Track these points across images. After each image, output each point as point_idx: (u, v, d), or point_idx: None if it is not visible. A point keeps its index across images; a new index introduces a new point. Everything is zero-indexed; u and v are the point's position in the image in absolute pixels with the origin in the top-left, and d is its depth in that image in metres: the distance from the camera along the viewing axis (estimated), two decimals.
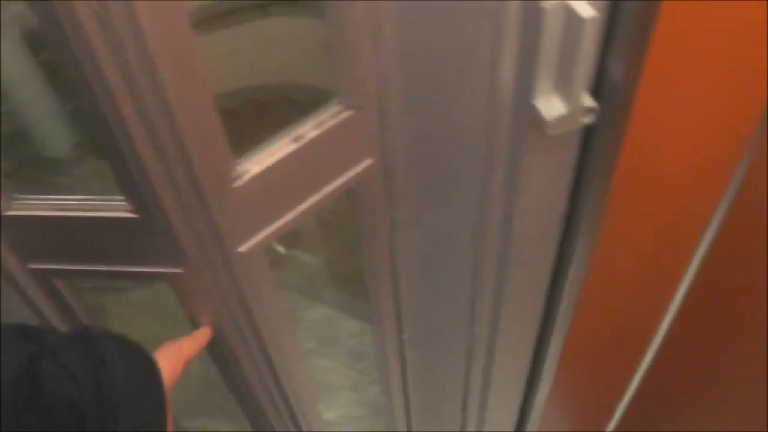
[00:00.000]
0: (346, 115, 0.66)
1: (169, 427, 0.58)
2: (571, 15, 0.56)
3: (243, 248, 0.68)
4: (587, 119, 0.63)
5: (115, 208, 0.65)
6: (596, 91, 0.64)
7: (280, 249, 1.49)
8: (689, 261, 0.83)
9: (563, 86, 0.61)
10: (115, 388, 0.53)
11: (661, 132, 0.68)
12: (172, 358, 0.64)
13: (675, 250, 0.82)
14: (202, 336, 0.70)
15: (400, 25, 0.61)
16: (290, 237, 1.49)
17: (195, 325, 0.76)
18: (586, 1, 0.56)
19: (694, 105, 0.66)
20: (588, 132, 0.70)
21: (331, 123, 0.66)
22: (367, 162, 0.72)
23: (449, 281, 0.86)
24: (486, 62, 0.62)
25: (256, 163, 0.64)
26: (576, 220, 0.78)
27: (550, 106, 0.62)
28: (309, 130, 0.65)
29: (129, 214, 0.64)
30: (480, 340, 0.93)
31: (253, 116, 2.08)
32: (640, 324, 0.95)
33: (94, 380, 0.51)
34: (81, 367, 0.52)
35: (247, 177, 0.63)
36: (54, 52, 0.50)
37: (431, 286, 0.88)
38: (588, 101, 0.62)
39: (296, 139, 0.65)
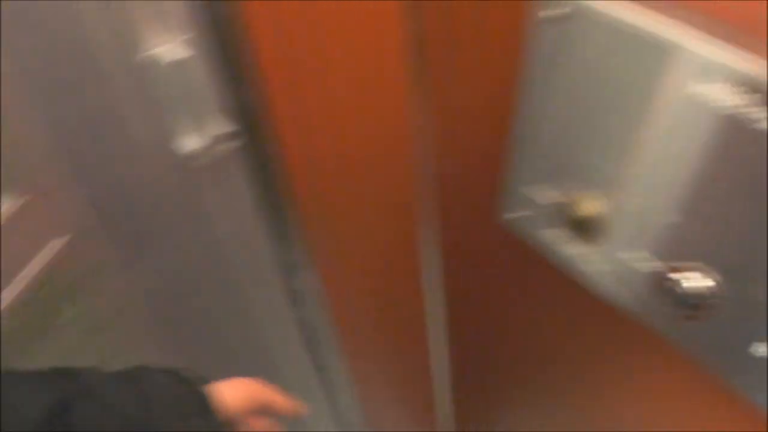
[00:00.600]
0: (20, 202, 0.67)
1: None
2: (170, 60, 0.60)
3: None
4: (228, 146, 0.68)
5: None
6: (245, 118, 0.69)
7: None
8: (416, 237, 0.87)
9: (193, 122, 0.65)
10: (160, 421, 0.50)
11: (309, 129, 0.71)
12: (238, 391, 0.60)
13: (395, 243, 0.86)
14: (292, 404, 0.66)
15: (44, 104, 0.63)
16: None
17: None
18: (178, 46, 0.60)
19: (331, 97, 0.70)
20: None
21: (6, 213, 0.67)
22: (62, 239, 0.73)
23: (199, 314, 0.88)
24: (128, 117, 0.66)
25: None
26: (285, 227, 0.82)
27: (189, 142, 0.66)
28: None
29: None
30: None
31: None
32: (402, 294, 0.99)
33: (135, 416, 0.49)
34: (121, 404, 0.49)
35: None
36: None
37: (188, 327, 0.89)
38: (220, 129, 0.66)
39: None
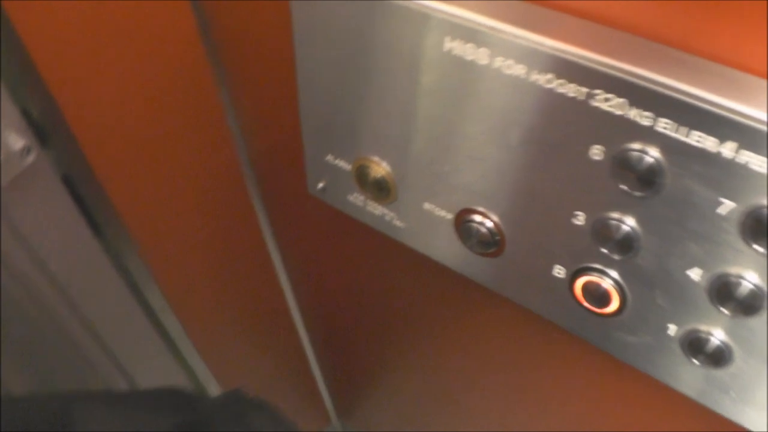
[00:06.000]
0: None
1: None
2: None
3: None
4: (29, 159, 0.67)
5: None
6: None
7: None
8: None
9: None
10: None
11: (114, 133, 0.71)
12: None
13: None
14: None
15: None
16: None
17: None
18: None
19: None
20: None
21: None
22: None
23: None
24: None
25: None
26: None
27: None
28: None
29: None
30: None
31: None
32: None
33: None
34: None
35: None
36: None
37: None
38: (17, 142, 0.65)
39: None
